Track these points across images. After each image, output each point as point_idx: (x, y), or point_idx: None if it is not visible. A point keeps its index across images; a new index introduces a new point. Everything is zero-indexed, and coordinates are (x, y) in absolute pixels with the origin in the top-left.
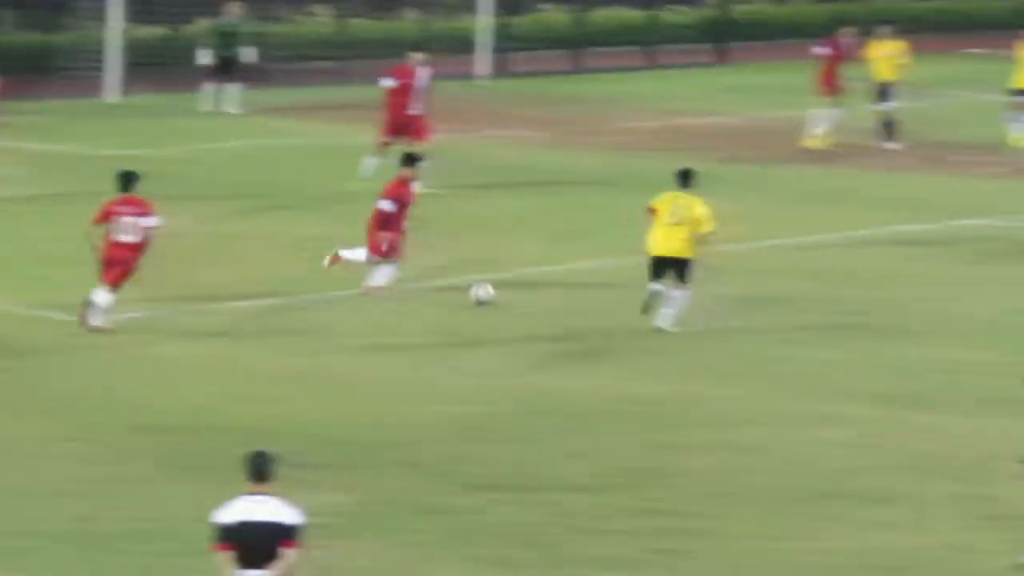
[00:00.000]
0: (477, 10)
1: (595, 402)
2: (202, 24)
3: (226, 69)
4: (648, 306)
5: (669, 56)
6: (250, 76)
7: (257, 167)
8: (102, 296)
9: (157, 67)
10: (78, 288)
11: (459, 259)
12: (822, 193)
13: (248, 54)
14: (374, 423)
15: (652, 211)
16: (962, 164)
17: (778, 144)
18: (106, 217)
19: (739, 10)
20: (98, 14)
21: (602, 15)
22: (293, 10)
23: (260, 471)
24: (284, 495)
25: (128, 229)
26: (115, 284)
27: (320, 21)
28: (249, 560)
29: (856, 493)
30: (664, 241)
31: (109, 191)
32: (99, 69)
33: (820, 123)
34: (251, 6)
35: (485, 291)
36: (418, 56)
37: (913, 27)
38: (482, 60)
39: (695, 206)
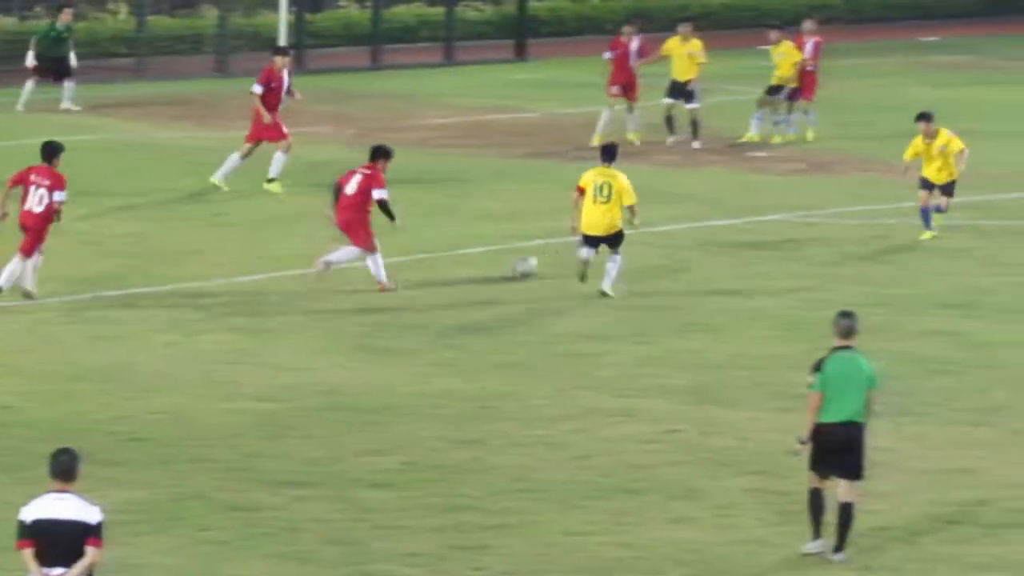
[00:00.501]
0: (276, 7)
1: (399, 398)
2: (3, 22)
3: (59, 70)
4: (581, 274)
5: (469, 52)
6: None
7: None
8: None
9: None
10: None
11: (262, 256)
12: None
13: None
14: (174, 420)
15: (580, 190)
16: (761, 160)
17: (579, 139)
18: (21, 181)
19: (537, 7)
20: None
21: (401, 11)
22: (92, 7)
23: (63, 469)
24: (86, 492)
25: (37, 199)
26: (26, 252)
27: (119, 18)
28: (51, 557)
29: (658, 488)
30: (593, 219)
31: None
32: None
33: (608, 123)
34: (49, 3)
35: (527, 264)
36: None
37: (708, 23)
38: None
39: (618, 179)
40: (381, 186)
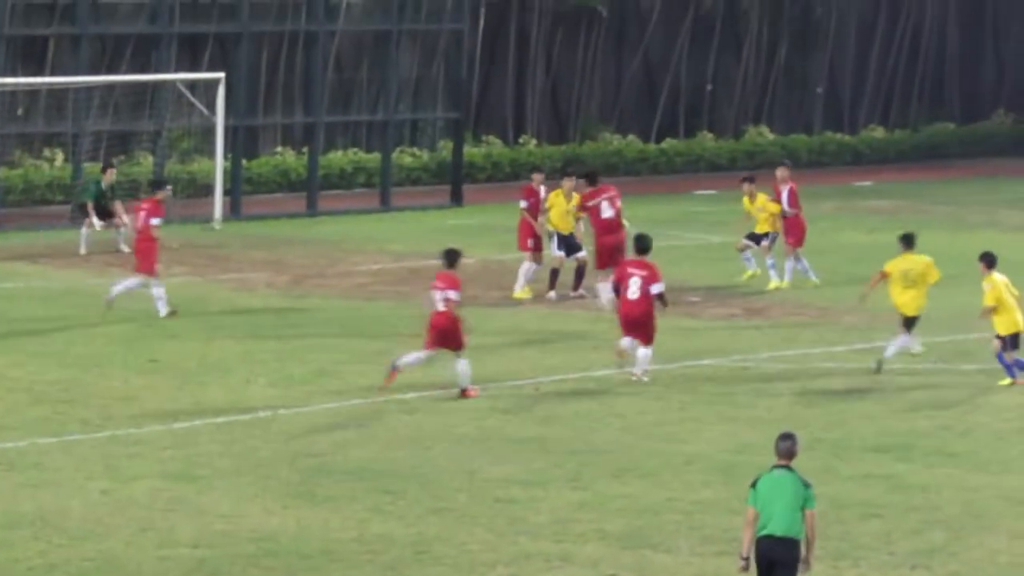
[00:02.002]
0: (212, 153)
1: (335, 543)
2: None
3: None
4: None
5: (404, 198)
6: None
7: None
8: None
9: None
10: None
11: (195, 403)
12: (550, 335)
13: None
14: (109, 566)
15: (885, 275)
16: (695, 305)
17: (506, 285)
18: None
19: (473, 152)
20: None
21: (336, 157)
22: (28, 155)
23: None
24: None
25: None
26: None
27: (56, 165)
28: None
29: None
30: (909, 301)
31: None
32: None
33: (526, 275)
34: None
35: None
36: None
37: (644, 167)
38: (216, 203)
39: (922, 263)
40: None
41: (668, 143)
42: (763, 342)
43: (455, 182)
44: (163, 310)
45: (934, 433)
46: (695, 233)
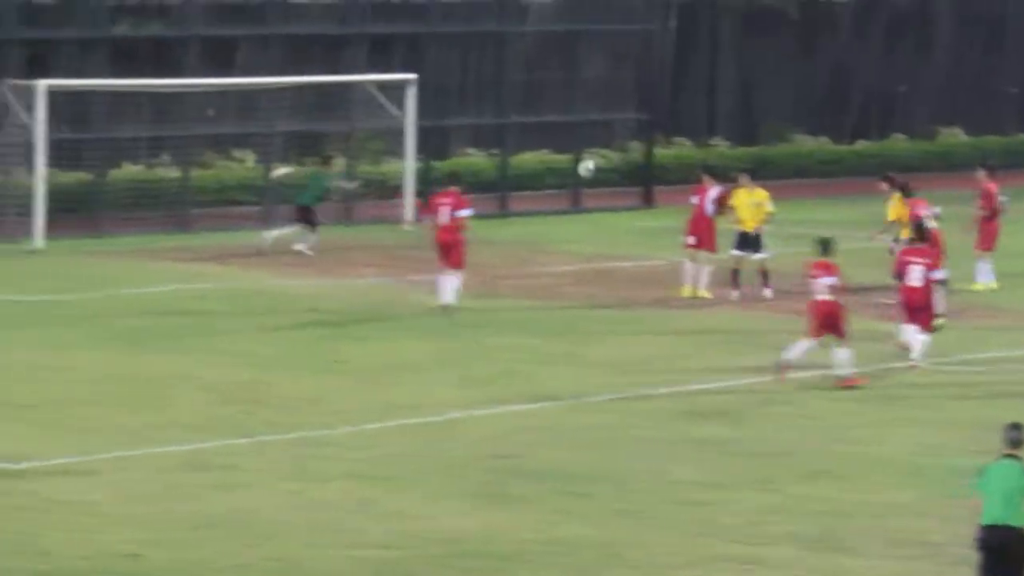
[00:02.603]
0: (403, 155)
1: (524, 545)
2: (129, 170)
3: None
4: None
5: (594, 200)
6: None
7: (177, 311)
8: None
9: (76, 213)
10: None
11: (384, 404)
12: (739, 335)
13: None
14: (296, 568)
15: None
16: (888, 308)
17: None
18: None
19: (663, 154)
20: (21, 160)
21: (527, 158)
22: (219, 155)
23: None
24: None
25: None
26: None
27: (246, 166)
28: None
29: None
30: None
31: (36, 336)
32: (24, 214)
33: (693, 274)
34: (175, 153)
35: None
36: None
37: (833, 170)
38: (407, 204)
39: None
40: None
41: (860, 145)
42: (956, 345)
43: (645, 184)
44: (449, 299)
45: None
46: (887, 236)
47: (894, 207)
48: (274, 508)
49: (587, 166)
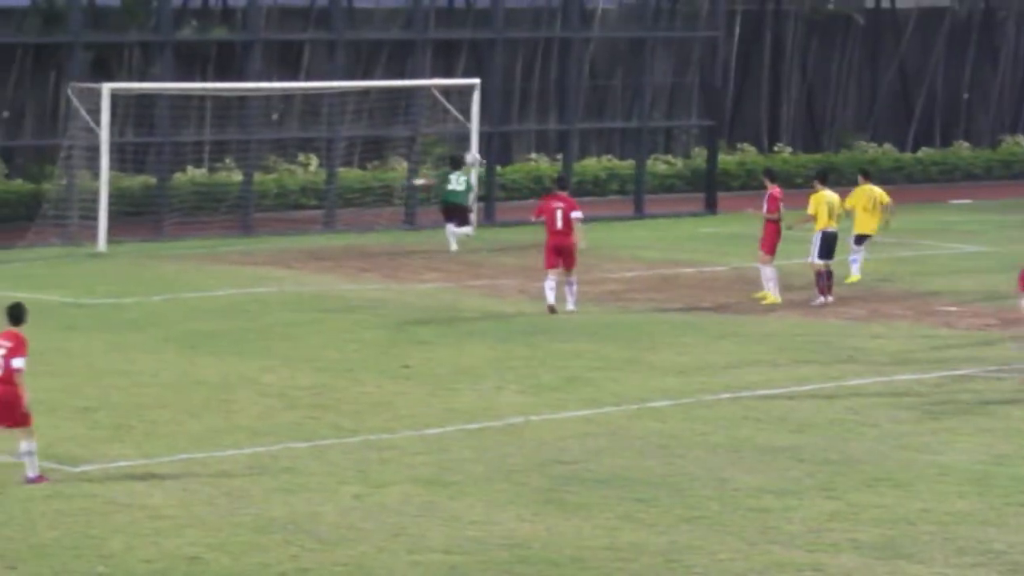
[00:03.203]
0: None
1: (586, 551)
2: (193, 174)
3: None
4: None
5: (658, 205)
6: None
7: (239, 315)
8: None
9: (139, 216)
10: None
11: (447, 409)
12: (804, 343)
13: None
14: (360, 572)
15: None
16: (950, 315)
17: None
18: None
19: (727, 160)
20: (85, 163)
21: (591, 164)
22: (283, 160)
23: None
24: None
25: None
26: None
27: (310, 170)
28: None
29: None
30: None
31: (100, 339)
32: (88, 218)
33: (769, 279)
34: (238, 157)
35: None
36: None
37: (899, 176)
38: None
39: None
40: None
41: (924, 152)
42: (1018, 353)
43: (709, 190)
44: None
45: None
46: (950, 243)
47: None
48: (337, 512)
49: (465, 171)
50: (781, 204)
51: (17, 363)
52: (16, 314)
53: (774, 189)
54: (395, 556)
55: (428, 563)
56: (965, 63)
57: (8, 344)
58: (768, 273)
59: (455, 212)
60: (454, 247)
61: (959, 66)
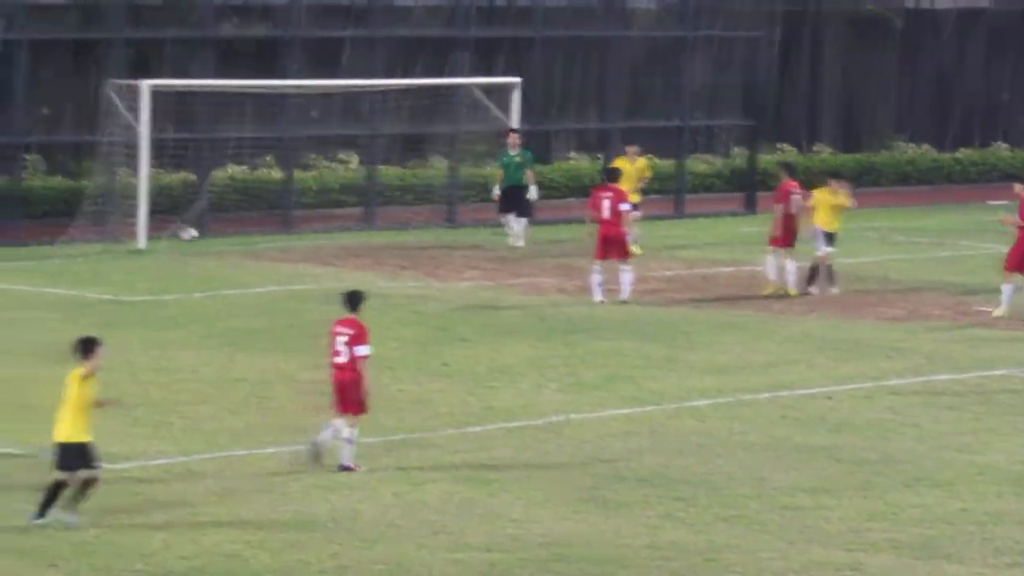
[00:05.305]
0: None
1: (625, 550)
2: (233, 170)
3: (514, 202)
4: None
5: (697, 204)
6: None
7: (279, 312)
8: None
9: (179, 213)
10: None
11: (487, 407)
12: (841, 342)
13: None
14: (400, 570)
15: None
16: (987, 315)
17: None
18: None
19: (767, 160)
20: (124, 160)
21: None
22: (323, 157)
23: None
24: None
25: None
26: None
27: (350, 167)
28: None
29: None
30: None
31: (139, 336)
32: (128, 214)
33: (775, 271)
34: (278, 154)
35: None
36: None
37: (938, 176)
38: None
39: None
40: None
41: (962, 152)
42: None
43: (749, 189)
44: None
45: None
46: (988, 243)
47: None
48: (376, 510)
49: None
50: (796, 197)
51: (361, 351)
52: (354, 300)
53: (788, 183)
54: (434, 554)
55: (467, 561)
56: (1004, 64)
57: (350, 332)
58: (787, 266)
59: (515, 199)
60: (519, 242)
61: (998, 67)
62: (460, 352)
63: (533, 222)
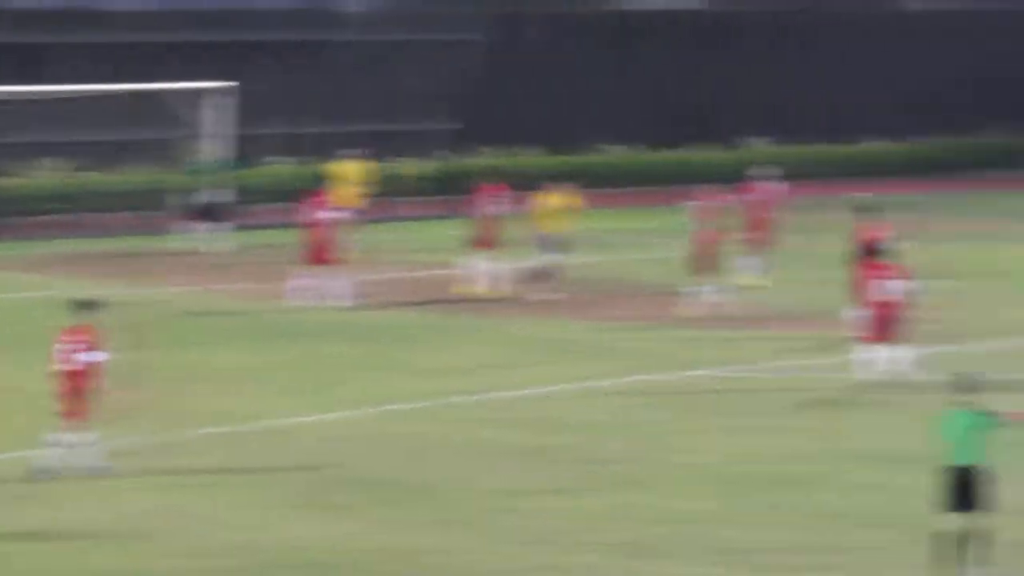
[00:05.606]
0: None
1: (339, 554)
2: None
3: (217, 208)
4: None
5: (408, 208)
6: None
7: None
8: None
9: None
10: None
11: (202, 413)
12: (544, 343)
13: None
14: None
15: None
16: (690, 317)
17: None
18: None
19: (470, 163)
20: None
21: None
22: (22, 164)
23: None
24: None
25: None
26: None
27: (55, 174)
28: None
29: None
30: None
31: None
32: None
33: (483, 273)
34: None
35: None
36: None
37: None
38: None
39: None
40: None
41: (666, 153)
42: (759, 352)
43: (455, 192)
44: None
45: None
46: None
47: None
48: (86, 517)
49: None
50: (498, 200)
51: (95, 357)
52: (86, 307)
53: (491, 187)
54: (137, 560)
55: (182, 569)
56: (715, 66)
57: (82, 339)
58: (493, 268)
59: (217, 205)
60: (224, 246)
61: (709, 69)
62: (176, 358)
63: (241, 227)
